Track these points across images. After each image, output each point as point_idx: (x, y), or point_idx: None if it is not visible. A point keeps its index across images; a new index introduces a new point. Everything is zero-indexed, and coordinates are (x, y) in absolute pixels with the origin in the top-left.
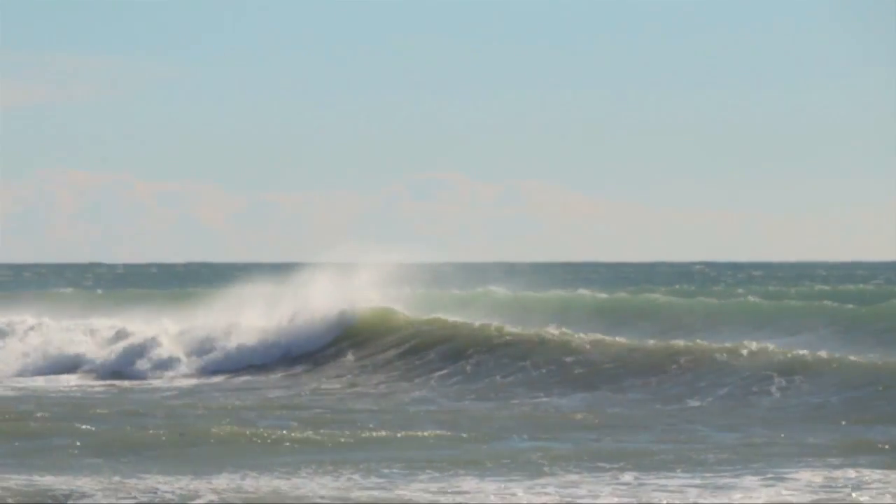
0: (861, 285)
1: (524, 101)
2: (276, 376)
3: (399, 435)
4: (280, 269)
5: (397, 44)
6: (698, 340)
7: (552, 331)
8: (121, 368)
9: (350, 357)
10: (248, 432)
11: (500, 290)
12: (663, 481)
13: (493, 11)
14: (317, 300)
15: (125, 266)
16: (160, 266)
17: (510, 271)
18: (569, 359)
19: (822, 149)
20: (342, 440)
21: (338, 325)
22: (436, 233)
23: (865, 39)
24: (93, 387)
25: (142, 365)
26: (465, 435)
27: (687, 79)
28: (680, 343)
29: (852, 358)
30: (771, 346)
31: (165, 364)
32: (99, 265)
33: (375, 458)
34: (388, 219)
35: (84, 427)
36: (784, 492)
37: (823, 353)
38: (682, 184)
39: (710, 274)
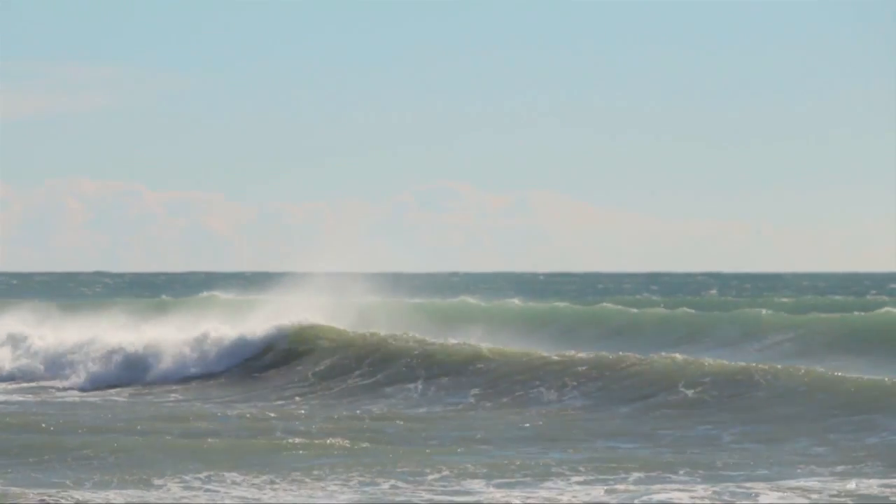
0: (825, 296)
1: (532, 110)
2: (237, 385)
3: (400, 441)
4: (287, 279)
5: (406, 53)
6: (601, 353)
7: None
8: (47, 377)
9: (299, 368)
10: (258, 440)
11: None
12: (668, 485)
13: (503, 20)
14: (263, 313)
15: (133, 275)
16: (169, 275)
17: (515, 281)
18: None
19: (833, 159)
20: (343, 445)
21: (273, 339)
22: (444, 243)
23: (883, 47)
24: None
25: (69, 374)
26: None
27: (696, 89)
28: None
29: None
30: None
31: (95, 374)
32: (104, 274)
33: (378, 463)
34: (397, 228)
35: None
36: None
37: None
38: (691, 194)
39: (711, 285)
